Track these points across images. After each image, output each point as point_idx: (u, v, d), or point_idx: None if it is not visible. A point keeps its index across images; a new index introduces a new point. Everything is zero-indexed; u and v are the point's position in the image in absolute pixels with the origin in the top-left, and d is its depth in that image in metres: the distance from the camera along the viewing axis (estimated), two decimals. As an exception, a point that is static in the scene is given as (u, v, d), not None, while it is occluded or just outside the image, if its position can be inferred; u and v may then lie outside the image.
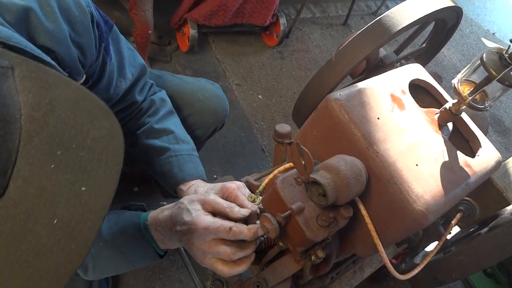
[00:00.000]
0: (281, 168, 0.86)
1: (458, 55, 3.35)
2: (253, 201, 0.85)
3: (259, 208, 0.87)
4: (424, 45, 1.51)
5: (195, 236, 0.74)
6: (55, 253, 0.42)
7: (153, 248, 0.84)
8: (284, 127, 1.04)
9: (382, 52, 1.35)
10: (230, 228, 0.73)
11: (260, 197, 0.86)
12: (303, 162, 0.66)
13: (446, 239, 1.00)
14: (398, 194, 0.69)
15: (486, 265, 0.99)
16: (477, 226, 1.16)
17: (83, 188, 0.43)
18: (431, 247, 1.18)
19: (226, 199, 0.88)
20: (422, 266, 0.85)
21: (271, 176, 0.85)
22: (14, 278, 0.42)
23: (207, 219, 0.75)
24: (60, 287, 0.44)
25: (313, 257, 0.75)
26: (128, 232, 0.83)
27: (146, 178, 1.66)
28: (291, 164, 0.87)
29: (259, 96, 2.25)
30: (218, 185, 0.91)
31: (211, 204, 0.79)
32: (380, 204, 0.72)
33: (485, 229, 1.10)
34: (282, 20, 2.41)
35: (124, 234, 0.83)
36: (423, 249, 1.16)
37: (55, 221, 0.42)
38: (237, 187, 0.88)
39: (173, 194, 1.01)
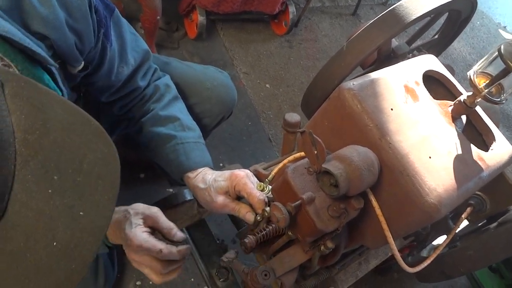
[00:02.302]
0: (291, 157, 0.85)
1: (468, 48, 3.31)
2: (262, 190, 0.84)
3: (267, 197, 0.86)
4: (436, 36, 1.49)
5: (131, 249, 0.82)
6: (55, 272, 0.43)
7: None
8: (293, 117, 1.03)
9: (394, 42, 1.33)
10: (160, 250, 0.80)
11: (269, 186, 0.85)
12: (315, 152, 0.65)
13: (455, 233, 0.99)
14: (410, 186, 0.68)
15: (495, 260, 0.99)
16: (486, 221, 1.15)
17: (81, 213, 0.44)
18: (439, 240, 1.17)
19: (235, 187, 0.87)
20: (431, 259, 0.85)
21: (280, 165, 0.84)
22: None
23: (142, 238, 0.80)
24: None
25: (322, 248, 0.75)
26: None
27: (152, 164, 1.66)
28: (301, 153, 0.86)
29: (267, 85, 2.24)
30: (227, 172, 0.90)
31: (153, 220, 0.85)
32: (392, 196, 0.72)
33: (494, 224, 1.09)
34: (291, 9, 2.38)
35: None
36: (430, 243, 1.15)
37: (55, 243, 0.42)
38: (246, 175, 0.88)
39: (180, 182, 1.00)
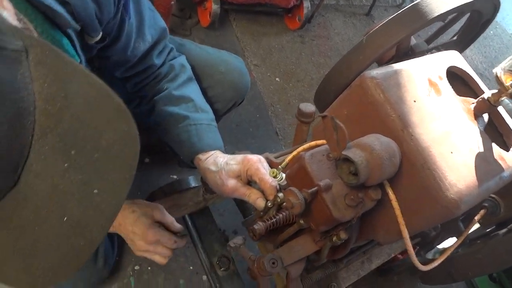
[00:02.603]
0: (306, 145, 0.83)
1: (479, 57, 3.28)
2: (274, 177, 0.82)
3: (278, 184, 0.85)
4: (455, 37, 1.47)
5: (144, 242, 0.96)
6: (62, 249, 0.42)
7: None
8: (308, 106, 1.01)
9: (413, 40, 1.31)
10: (175, 241, 1.00)
11: (282, 174, 0.83)
12: (335, 138, 0.63)
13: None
14: (430, 180, 0.66)
15: (504, 266, 0.97)
16: (495, 226, 1.14)
17: (95, 191, 0.42)
18: (447, 243, 1.15)
19: (247, 171, 0.86)
20: (442, 259, 0.83)
21: (295, 152, 0.82)
22: (18, 268, 0.41)
23: (158, 232, 0.96)
24: (64, 279, 0.43)
25: (334, 238, 0.73)
26: None
27: (158, 149, 1.64)
28: (316, 142, 0.84)
29: (277, 79, 2.21)
30: (239, 156, 0.89)
31: (158, 215, 0.99)
32: (410, 190, 0.70)
33: (504, 230, 1.07)
34: (306, 4, 2.36)
35: None
36: (437, 245, 1.13)
37: (65, 219, 0.41)
38: (259, 160, 0.86)
39: (190, 164, 0.98)
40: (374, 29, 1.10)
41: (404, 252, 1.71)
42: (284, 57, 2.34)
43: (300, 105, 1.04)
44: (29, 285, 0.42)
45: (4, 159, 0.37)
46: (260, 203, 0.84)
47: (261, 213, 0.88)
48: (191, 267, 1.56)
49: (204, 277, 1.56)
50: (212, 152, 0.93)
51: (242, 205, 1.07)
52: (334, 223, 0.68)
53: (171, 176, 1.70)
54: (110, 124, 0.43)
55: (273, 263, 0.78)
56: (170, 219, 1.02)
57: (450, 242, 1.11)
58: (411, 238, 1.30)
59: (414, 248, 1.61)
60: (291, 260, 0.81)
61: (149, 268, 1.51)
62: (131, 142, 0.44)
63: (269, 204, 0.83)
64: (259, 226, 0.78)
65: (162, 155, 1.65)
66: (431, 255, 1.25)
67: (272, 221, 0.80)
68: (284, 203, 0.78)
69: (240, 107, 1.59)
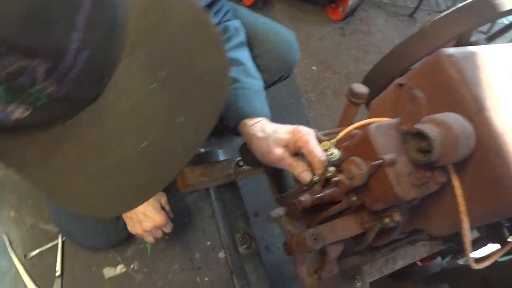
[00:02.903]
0: (364, 121, 0.78)
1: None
2: (326, 150, 0.77)
3: (329, 160, 0.80)
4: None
5: (150, 224, 1.11)
6: (137, 175, 0.39)
7: None
8: (361, 87, 0.96)
9: (473, 36, 1.25)
10: (171, 227, 1.19)
11: (334, 151, 0.78)
12: (410, 109, 0.59)
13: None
14: (504, 169, 0.62)
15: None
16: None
17: (180, 119, 0.39)
18: (483, 251, 1.10)
19: (296, 141, 0.82)
20: (495, 258, 0.78)
21: (350, 128, 0.78)
22: (87, 189, 0.37)
23: (165, 217, 1.14)
24: (129, 209, 0.39)
25: (386, 220, 0.69)
26: None
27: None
28: (373, 120, 0.80)
29: (313, 67, 2.17)
30: (289, 126, 0.85)
31: (163, 201, 1.17)
32: (477, 178, 0.65)
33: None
34: (352, -5, 2.30)
35: None
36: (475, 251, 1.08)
37: (144, 143, 0.37)
38: (310, 132, 0.82)
39: (233, 129, 0.94)
40: (438, 17, 1.05)
41: (424, 259, 1.67)
42: (323, 47, 2.29)
43: (353, 85, 0.99)
44: (92, 208, 0.39)
45: (92, 66, 0.33)
46: (306, 176, 0.80)
47: (305, 187, 0.84)
48: (208, 242, 1.54)
49: (220, 254, 1.53)
50: (260, 119, 0.89)
51: (277, 180, 1.03)
52: (393, 201, 0.64)
53: (198, 149, 1.67)
54: (205, 52, 0.40)
55: (315, 239, 0.74)
56: (168, 206, 1.20)
57: (486, 250, 1.06)
58: (444, 242, 1.26)
59: (430, 258, 1.56)
60: (332, 239, 0.77)
61: (166, 237, 1.48)
62: (222, 77, 0.40)
63: (316, 178, 0.80)
64: (306, 198, 0.74)
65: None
66: (463, 261, 1.20)
67: (318, 195, 0.76)
68: (333, 179, 0.74)
69: (274, 90, 1.55)
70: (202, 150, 1.69)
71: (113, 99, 0.36)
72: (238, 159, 1.22)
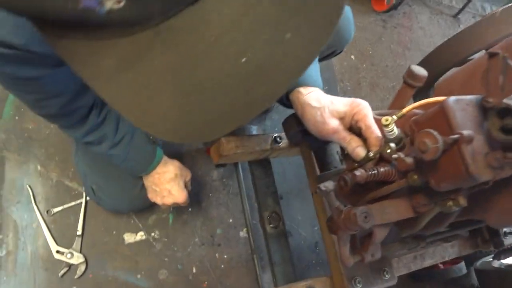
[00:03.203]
0: (431, 100, 0.73)
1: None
2: (387, 125, 0.73)
3: (386, 137, 0.76)
4: None
5: (173, 199, 1.19)
6: (232, 94, 0.34)
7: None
8: (420, 69, 0.91)
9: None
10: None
11: (395, 129, 0.73)
12: (501, 81, 0.54)
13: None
14: None
15: None
16: None
17: (288, 35, 0.33)
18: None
19: (354, 115, 0.78)
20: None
21: (416, 104, 0.73)
22: (173, 104, 0.33)
23: (186, 195, 1.22)
24: (220, 134, 0.34)
25: (450, 203, 0.64)
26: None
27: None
28: (437, 99, 0.74)
29: (352, 56, 2.11)
30: (347, 98, 0.81)
31: (186, 180, 1.24)
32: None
33: None
34: (399, -12, 2.23)
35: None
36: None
37: (244, 59, 0.32)
38: (368, 106, 0.78)
39: (284, 99, 0.90)
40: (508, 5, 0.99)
41: (446, 262, 1.61)
42: (363, 37, 2.22)
43: (412, 66, 0.94)
44: (175, 133, 0.34)
45: None
46: (360, 152, 0.75)
47: (355, 164, 0.80)
48: (230, 220, 1.51)
49: (242, 233, 1.50)
50: (314, 88, 0.85)
51: (322, 158, 0.98)
52: (461, 183, 0.59)
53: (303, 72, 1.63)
54: None
55: (366, 217, 0.70)
56: (191, 186, 1.27)
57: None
58: (478, 243, 1.20)
59: (454, 262, 1.50)
60: (381, 221, 0.72)
61: (189, 209, 1.46)
62: None
63: (371, 154, 0.75)
64: (361, 173, 0.70)
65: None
66: (497, 264, 1.14)
67: (373, 172, 0.72)
68: (393, 155, 0.70)
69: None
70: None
71: (213, 6, 0.31)
72: (276, 135, 1.17)
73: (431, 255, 1.31)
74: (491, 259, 1.22)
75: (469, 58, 1.11)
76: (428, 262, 1.30)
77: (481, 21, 1.00)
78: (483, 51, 1.08)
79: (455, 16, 2.76)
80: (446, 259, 1.34)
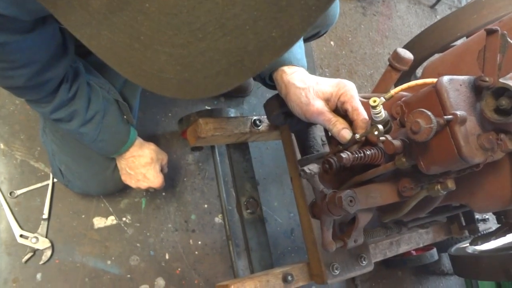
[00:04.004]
0: (419, 81, 0.71)
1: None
2: (375, 107, 0.70)
3: (373, 119, 0.73)
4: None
5: (149, 183, 1.17)
6: (239, 37, 0.29)
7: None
8: (407, 52, 0.89)
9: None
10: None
11: (383, 111, 0.71)
12: (499, 60, 0.51)
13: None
14: None
15: None
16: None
17: None
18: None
19: (340, 96, 0.75)
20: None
21: (404, 86, 0.70)
22: (172, 59, 0.28)
23: (162, 179, 1.18)
24: (217, 92, 0.30)
25: (437, 187, 0.62)
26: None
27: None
28: (426, 81, 0.72)
29: (331, 42, 2.08)
30: (333, 79, 0.77)
31: (163, 164, 1.20)
32: (547, 152, 0.59)
33: None
34: (378, -25, 2.21)
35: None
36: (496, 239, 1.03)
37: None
38: (354, 88, 0.75)
39: (266, 78, 0.86)
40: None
41: (419, 249, 1.63)
42: (342, 23, 2.20)
43: (398, 49, 0.92)
44: (179, 84, 0.29)
45: None
46: (346, 134, 0.73)
47: (340, 147, 0.77)
48: (205, 205, 1.47)
49: (217, 219, 1.46)
50: (299, 68, 0.82)
51: (303, 141, 0.95)
52: (452, 165, 0.57)
53: (205, 107, 1.58)
54: None
55: (351, 201, 0.67)
56: (167, 169, 1.24)
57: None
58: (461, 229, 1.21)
59: (427, 249, 1.52)
60: (366, 205, 0.70)
61: (163, 194, 1.41)
62: None
63: (357, 137, 0.73)
64: (347, 155, 0.67)
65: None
66: (471, 249, 1.16)
67: (360, 155, 0.69)
68: (381, 138, 0.67)
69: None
70: (208, 108, 1.60)
71: None
72: (255, 118, 1.14)
73: (406, 241, 1.32)
74: (466, 245, 1.23)
75: (451, 45, 1.10)
76: (403, 248, 1.31)
77: (464, 8, 0.99)
78: (464, 38, 1.08)
79: (432, 6, 2.78)
80: (421, 245, 1.36)
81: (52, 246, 1.22)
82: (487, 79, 0.53)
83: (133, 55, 0.28)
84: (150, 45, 0.28)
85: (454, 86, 0.57)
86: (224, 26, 0.27)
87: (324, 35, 2.06)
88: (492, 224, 1.31)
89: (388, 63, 0.93)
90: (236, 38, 0.27)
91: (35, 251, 1.19)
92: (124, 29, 0.27)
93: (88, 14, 0.27)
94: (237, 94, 1.59)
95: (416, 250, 1.67)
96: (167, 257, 1.36)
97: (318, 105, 0.75)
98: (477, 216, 1.26)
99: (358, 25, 2.25)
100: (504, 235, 1.00)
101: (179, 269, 1.36)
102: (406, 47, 1.13)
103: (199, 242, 1.42)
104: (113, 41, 0.28)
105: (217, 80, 0.29)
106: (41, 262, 1.19)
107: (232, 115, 1.34)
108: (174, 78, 0.29)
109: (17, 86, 0.80)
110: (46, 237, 1.22)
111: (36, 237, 1.20)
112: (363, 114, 0.71)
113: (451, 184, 0.60)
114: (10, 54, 0.69)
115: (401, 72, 0.91)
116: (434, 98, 0.56)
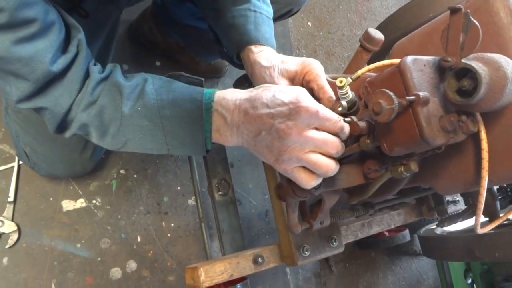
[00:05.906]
0: (387, 61, 0.70)
1: None
2: (341, 87, 0.68)
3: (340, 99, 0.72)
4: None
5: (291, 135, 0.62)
6: None
7: (205, 136, 0.68)
8: (377, 33, 0.88)
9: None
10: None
11: (349, 91, 0.69)
12: (461, 40, 0.50)
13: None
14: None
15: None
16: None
17: None
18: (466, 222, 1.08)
19: (305, 75, 0.73)
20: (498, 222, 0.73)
21: (372, 66, 0.69)
22: None
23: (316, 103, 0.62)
24: None
25: (401, 169, 0.62)
26: (182, 107, 0.66)
27: (168, 53, 1.48)
28: (393, 61, 0.71)
29: (309, 23, 2.06)
30: (298, 58, 0.76)
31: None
32: (508, 133, 0.59)
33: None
34: (358, -45, 2.18)
35: (176, 108, 0.66)
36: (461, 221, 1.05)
37: None
38: (320, 66, 0.73)
39: (233, 57, 0.83)
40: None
41: (391, 230, 1.66)
42: (320, 4, 2.17)
43: (369, 29, 0.90)
44: None
45: None
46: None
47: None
48: (178, 187, 1.45)
49: (190, 201, 1.45)
50: (266, 47, 0.79)
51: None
52: (415, 147, 0.57)
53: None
54: None
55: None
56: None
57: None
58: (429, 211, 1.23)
59: (399, 230, 1.55)
60: (328, 187, 0.70)
61: (135, 176, 1.38)
62: None
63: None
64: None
65: (173, 57, 1.49)
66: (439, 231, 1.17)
67: (325, 136, 0.68)
68: (345, 120, 0.66)
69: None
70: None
71: None
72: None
73: (378, 222, 1.33)
74: (434, 227, 1.25)
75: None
76: (375, 230, 1.32)
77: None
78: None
79: (412, -11, 2.77)
80: (392, 226, 1.37)
81: (19, 229, 1.19)
82: (449, 59, 0.52)
83: None
84: None
85: (418, 66, 0.56)
86: None
87: (302, 16, 2.04)
88: (462, 205, 1.33)
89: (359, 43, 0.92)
90: None
91: (0, 234, 1.16)
92: None
93: None
94: (212, 74, 1.56)
95: (389, 231, 1.69)
96: (139, 239, 1.34)
97: (282, 84, 0.73)
98: (448, 198, 1.28)
99: (337, 6, 2.23)
100: (471, 217, 1.02)
101: (151, 251, 1.35)
102: (379, 27, 1.11)
103: (172, 225, 1.40)
104: None
105: None
106: (7, 246, 1.16)
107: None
108: None
109: None
110: (12, 220, 1.19)
111: (2, 221, 1.17)
112: (329, 92, 0.70)
113: (414, 166, 0.60)
114: None
115: (372, 52, 0.89)
116: (398, 78, 0.55)
